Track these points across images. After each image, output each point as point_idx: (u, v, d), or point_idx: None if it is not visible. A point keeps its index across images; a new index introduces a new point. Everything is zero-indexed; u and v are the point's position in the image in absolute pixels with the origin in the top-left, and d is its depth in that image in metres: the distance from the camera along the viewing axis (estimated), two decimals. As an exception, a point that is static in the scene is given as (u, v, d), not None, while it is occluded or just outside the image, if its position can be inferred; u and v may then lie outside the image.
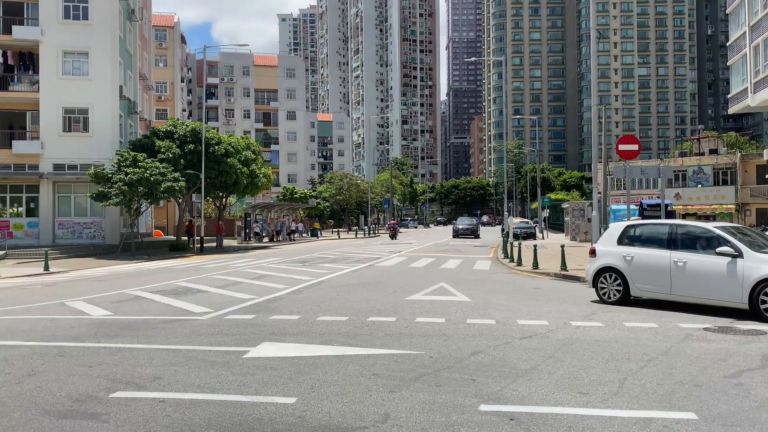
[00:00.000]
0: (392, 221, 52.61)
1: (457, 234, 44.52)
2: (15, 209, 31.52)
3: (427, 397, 5.26)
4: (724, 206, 43.28)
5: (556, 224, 60.68)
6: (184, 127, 34.33)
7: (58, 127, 31.09)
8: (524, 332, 8.23)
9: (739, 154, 45.10)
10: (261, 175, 38.17)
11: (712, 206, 43.78)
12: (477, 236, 44.81)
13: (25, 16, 31.87)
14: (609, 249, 11.09)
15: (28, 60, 32.43)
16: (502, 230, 51.88)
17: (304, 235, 51.40)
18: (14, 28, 30.70)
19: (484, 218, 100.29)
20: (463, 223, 47.45)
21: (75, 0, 31.45)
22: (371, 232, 60.36)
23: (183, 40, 73.62)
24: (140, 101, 39.09)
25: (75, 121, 31.57)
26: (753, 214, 42.60)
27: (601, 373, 6.05)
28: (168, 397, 5.33)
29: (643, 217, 27.41)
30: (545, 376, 5.93)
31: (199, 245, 33.17)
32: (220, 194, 38.55)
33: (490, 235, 51.82)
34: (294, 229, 48.60)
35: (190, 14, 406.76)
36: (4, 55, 32.78)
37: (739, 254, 9.26)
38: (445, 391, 5.45)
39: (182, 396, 5.35)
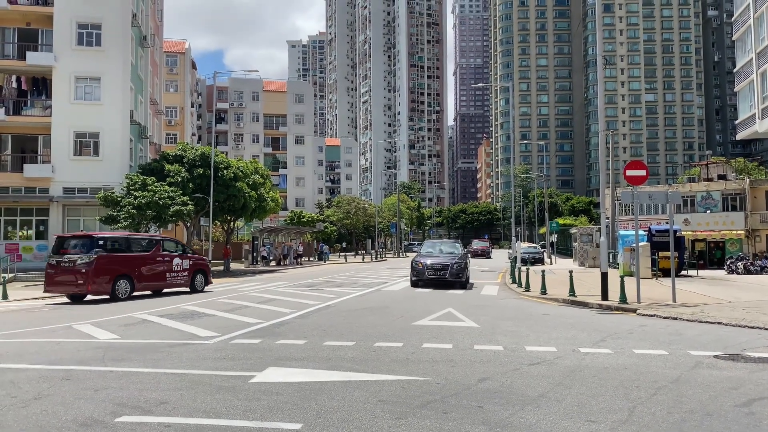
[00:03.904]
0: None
1: (419, 279, 21.04)
2: (25, 232, 31.75)
3: (434, 424, 5.20)
4: (734, 232, 42.98)
5: (564, 249, 60.45)
6: (193, 151, 34.64)
7: (69, 151, 31.45)
8: (532, 359, 8.15)
9: (748, 179, 44.93)
10: (269, 199, 38.33)
11: (722, 232, 43.49)
12: (459, 279, 20.49)
13: (39, 42, 32.47)
14: None
15: (41, 85, 32.96)
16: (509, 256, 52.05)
17: (310, 258, 51.44)
18: (28, 54, 31.28)
19: (477, 244, 63.82)
20: (432, 256, 21.75)
21: (88, 27, 32.06)
22: (378, 256, 60.30)
23: (193, 65, 74.65)
24: (150, 126, 39.52)
25: (86, 145, 31.95)
26: (763, 240, 42.27)
27: (610, 401, 5.98)
28: (174, 422, 5.30)
29: (652, 243, 27.30)
30: (553, 404, 5.87)
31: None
32: (228, 218, 38.71)
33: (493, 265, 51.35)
34: (300, 253, 48.67)
35: (203, 42, 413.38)
36: (18, 80, 33.34)
37: None
38: (453, 418, 5.39)
39: (188, 421, 5.32)
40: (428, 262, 20.67)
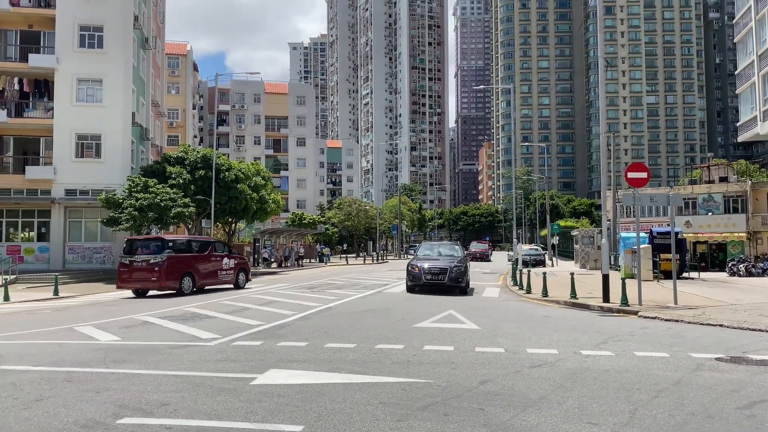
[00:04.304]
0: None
1: (415, 284, 19.52)
2: (26, 234, 31.79)
3: (435, 427, 5.20)
4: (735, 234, 42.95)
5: (565, 251, 60.42)
6: (195, 153, 34.68)
7: (71, 153, 31.50)
8: (533, 361, 8.15)
9: (750, 182, 44.91)
10: (270, 201, 38.36)
11: (723, 234, 43.47)
12: (459, 283, 19.03)
13: (41, 45, 32.53)
14: None
15: (43, 87, 33.02)
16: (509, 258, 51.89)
17: (312, 260, 51.45)
18: (30, 56, 31.34)
19: (476, 246, 60.34)
20: (429, 259, 20.34)
21: (90, 29, 32.12)
22: (379, 258, 60.29)
23: (195, 67, 74.75)
24: (152, 128, 39.58)
25: (87, 147, 31.99)
26: (765, 242, 42.25)
27: (611, 404, 5.97)
28: (175, 423, 5.31)
29: (654, 245, 27.28)
30: (555, 406, 5.86)
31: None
32: (230, 220, 38.74)
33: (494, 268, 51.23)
34: (301, 255, 48.69)
35: (205, 44, 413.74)
36: (20, 82, 33.39)
37: None
38: (454, 420, 5.39)
39: (189, 423, 5.32)
40: (425, 265, 19.19)
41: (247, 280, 24.08)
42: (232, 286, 22.86)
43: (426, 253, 21.22)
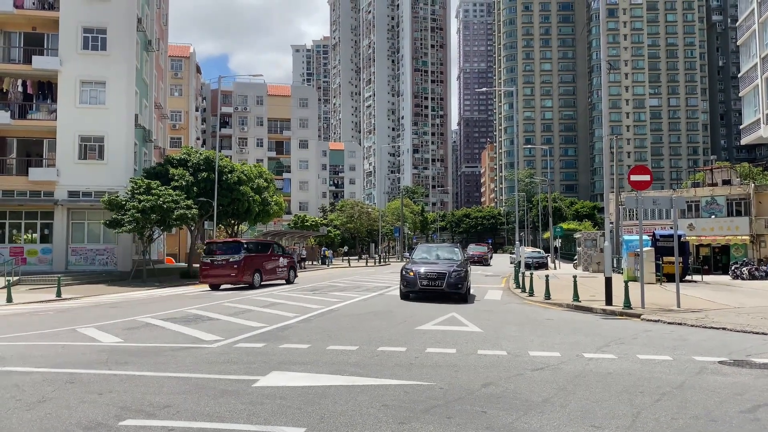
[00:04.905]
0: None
1: (410, 291, 17.75)
2: (29, 235, 31.85)
3: (438, 429, 5.20)
4: (739, 237, 42.85)
5: (568, 254, 60.37)
6: (197, 155, 34.72)
7: (74, 155, 31.56)
8: (536, 364, 8.14)
9: (753, 185, 44.80)
10: (273, 203, 38.38)
11: (726, 237, 43.37)
12: (458, 290, 17.17)
13: (45, 47, 32.64)
14: None
15: (46, 89, 33.10)
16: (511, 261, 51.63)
17: (314, 262, 51.45)
18: (34, 58, 31.43)
19: (474, 249, 54.75)
20: (426, 263, 18.49)
21: (94, 31, 32.20)
22: (382, 260, 60.27)
23: (198, 70, 74.88)
24: (155, 129, 39.65)
25: (90, 148, 32.06)
26: (768, 246, 42.14)
27: (614, 407, 5.96)
28: (177, 425, 5.31)
29: (657, 248, 27.23)
30: (557, 409, 5.85)
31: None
32: (232, 221, 38.76)
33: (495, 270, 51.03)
34: (303, 257, 48.71)
35: (208, 47, 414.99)
36: (24, 84, 33.48)
37: None
38: (456, 423, 5.39)
39: (192, 425, 5.32)
40: (421, 270, 17.37)
41: (295, 276, 28.25)
42: (284, 281, 26.61)
43: (423, 257, 19.37)
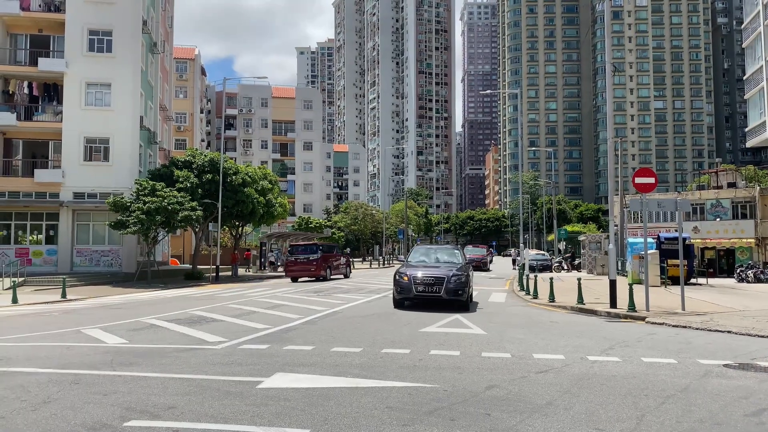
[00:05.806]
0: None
1: (405, 298, 15.90)
2: (35, 236, 31.96)
3: (442, 431, 5.20)
4: (744, 240, 42.71)
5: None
6: (202, 157, 34.80)
7: (80, 157, 31.68)
8: (540, 366, 8.13)
9: (758, 187, 44.66)
10: (277, 205, 38.45)
11: (731, 240, 43.24)
12: (458, 297, 15.20)
13: (51, 49, 32.78)
14: None
15: (52, 91, 33.24)
16: (514, 262, 51.28)
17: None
18: (40, 60, 31.57)
19: (471, 252, 46.92)
20: (424, 266, 16.54)
21: (99, 33, 32.33)
22: (386, 262, 60.24)
23: (203, 72, 75.10)
24: (160, 131, 39.76)
25: (96, 150, 32.17)
26: (773, 249, 41.97)
27: (618, 410, 5.95)
28: (181, 426, 5.32)
29: (661, 251, 27.16)
30: (561, 412, 5.85)
31: (214, 274, 33.32)
32: (237, 223, 38.84)
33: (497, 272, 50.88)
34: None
35: (213, 49, 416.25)
36: (30, 86, 33.65)
37: None
38: (460, 425, 5.39)
39: (196, 426, 5.34)
40: (418, 274, 15.40)
41: (350, 272, 35.79)
42: (343, 276, 33.72)
43: (420, 259, 17.39)
